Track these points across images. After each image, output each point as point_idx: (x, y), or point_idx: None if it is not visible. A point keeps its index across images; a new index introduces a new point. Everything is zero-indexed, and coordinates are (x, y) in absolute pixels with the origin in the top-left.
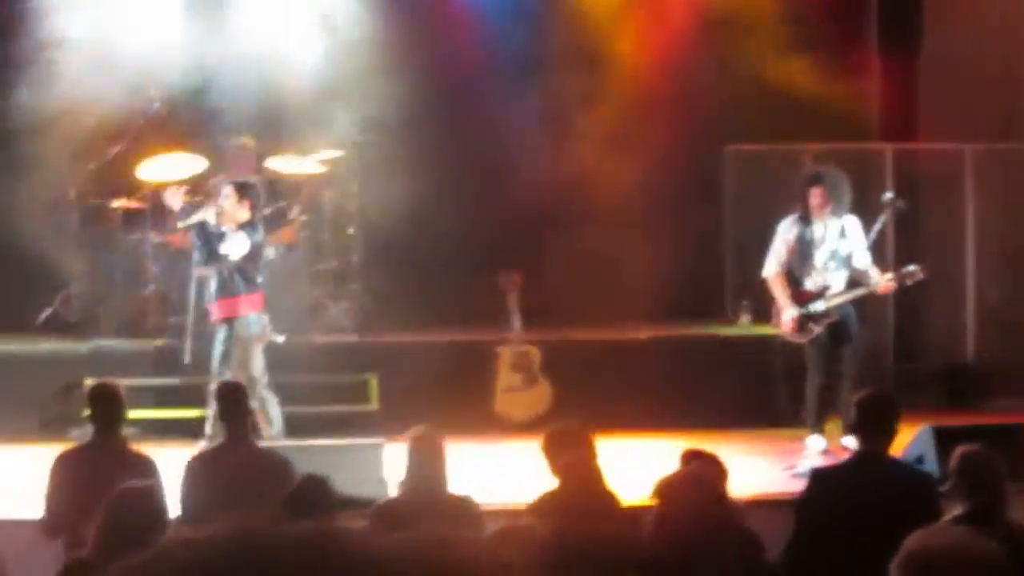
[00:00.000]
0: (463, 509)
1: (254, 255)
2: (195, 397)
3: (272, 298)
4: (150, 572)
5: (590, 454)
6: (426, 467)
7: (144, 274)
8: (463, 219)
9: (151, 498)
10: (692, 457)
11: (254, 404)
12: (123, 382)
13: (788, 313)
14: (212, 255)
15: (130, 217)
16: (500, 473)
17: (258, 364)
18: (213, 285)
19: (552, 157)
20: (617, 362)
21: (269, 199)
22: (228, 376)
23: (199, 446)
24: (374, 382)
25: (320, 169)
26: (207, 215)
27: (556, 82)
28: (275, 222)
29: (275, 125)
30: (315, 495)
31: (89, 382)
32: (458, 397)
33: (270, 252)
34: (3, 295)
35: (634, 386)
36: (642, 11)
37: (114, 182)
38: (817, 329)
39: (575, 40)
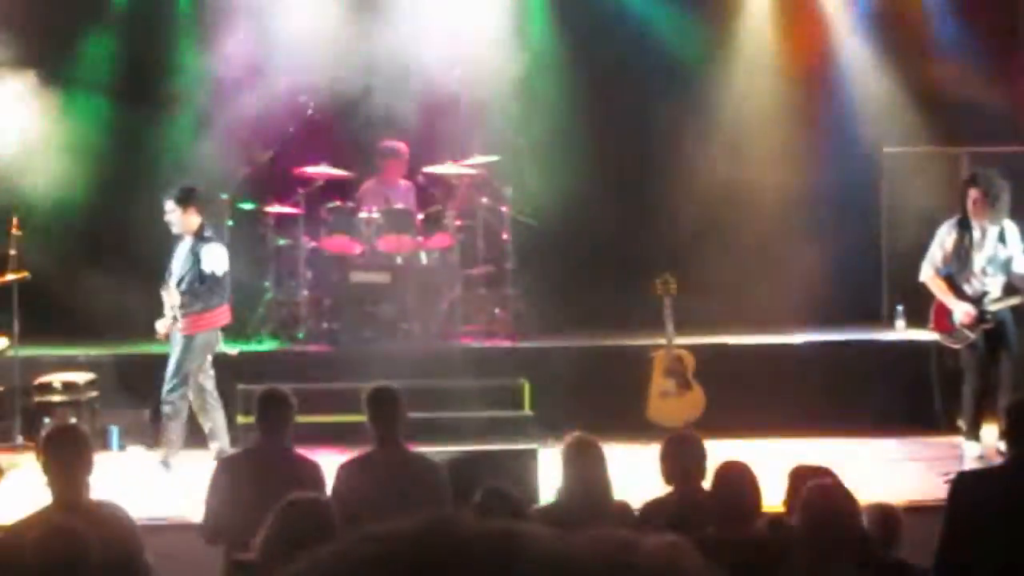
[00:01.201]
0: (624, 515)
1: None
2: (346, 402)
3: (426, 302)
4: (338, 566)
5: (701, 464)
6: (586, 472)
7: (297, 279)
8: (617, 223)
9: (322, 509)
10: (806, 474)
11: (203, 418)
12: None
13: (961, 308)
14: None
15: (284, 221)
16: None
17: (212, 376)
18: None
19: (708, 161)
20: (772, 367)
21: (423, 203)
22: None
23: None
24: (527, 387)
25: (474, 173)
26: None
27: (711, 86)
28: (430, 226)
29: (430, 129)
30: (499, 505)
31: (242, 387)
32: (611, 402)
33: (422, 257)
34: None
35: (789, 391)
36: (798, 15)
37: (268, 186)
38: (974, 335)
39: (732, 44)
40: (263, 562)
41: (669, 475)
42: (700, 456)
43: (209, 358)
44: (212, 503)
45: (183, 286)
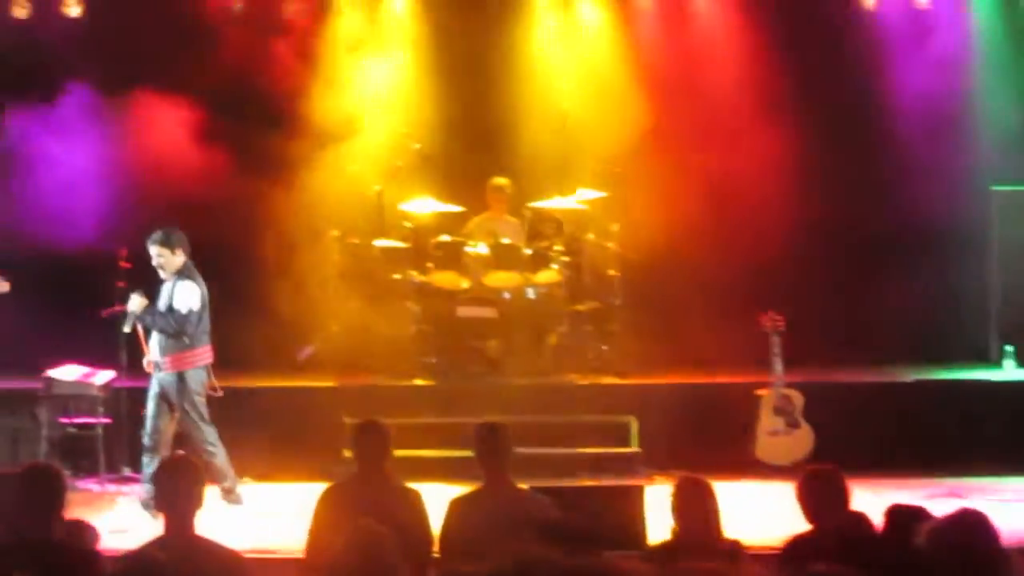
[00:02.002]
0: (733, 552)
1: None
2: (452, 437)
3: (532, 338)
4: None
5: (844, 498)
6: (697, 511)
7: (405, 313)
8: (724, 259)
9: (386, 542)
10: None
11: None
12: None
13: None
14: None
15: (391, 256)
16: (761, 516)
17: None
18: (159, 339)
19: (814, 197)
20: (881, 405)
21: (530, 239)
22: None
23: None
24: (634, 424)
25: (581, 209)
26: (134, 305)
27: (812, 121)
28: (537, 262)
29: (537, 164)
30: (579, 533)
31: (348, 420)
32: (718, 440)
33: (529, 292)
34: (267, 334)
35: (899, 430)
36: (900, 49)
37: (376, 221)
38: None
39: (831, 78)
40: None
41: (810, 511)
42: (842, 491)
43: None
44: (314, 535)
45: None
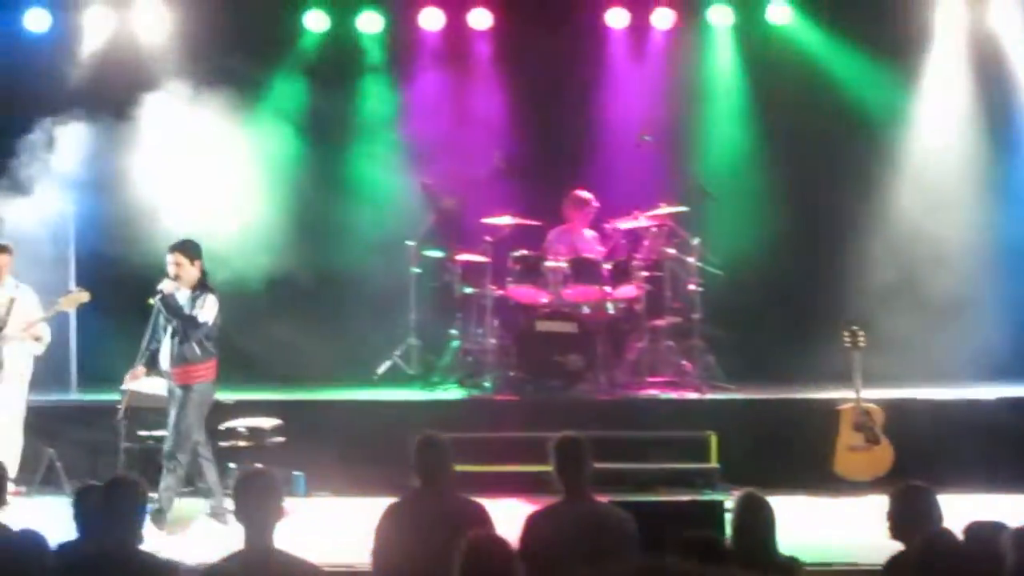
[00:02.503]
0: (791, 568)
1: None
2: (532, 451)
3: (612, 353)
4: None
5: (936, 515)
6: (752, 528)
7: (484, 327)
8: (805, 274)
9: (502, 544)
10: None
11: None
12: (454, 435)
13: None
14: (182, 322)
15: (471, 270)
16: (840, 532)
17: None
18: (169, 350)
19: (897, 213)
20: (962, 422)
21: (610, 253)
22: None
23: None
24: (714, 439)
25: (662, 223)
26: (166, 286)
27: (902, 136)
28: (617, 276)
29: (618, 179)
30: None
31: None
32: (798, 455)
33: (609, 307)
34: (346, 345)
35: (982, 447)
36: (990, 63)
37: (455, 234)
38: None
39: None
40: None
41: (899, 528)
42: (934, 508)
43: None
44: (379, 550)
45: (178, 337)
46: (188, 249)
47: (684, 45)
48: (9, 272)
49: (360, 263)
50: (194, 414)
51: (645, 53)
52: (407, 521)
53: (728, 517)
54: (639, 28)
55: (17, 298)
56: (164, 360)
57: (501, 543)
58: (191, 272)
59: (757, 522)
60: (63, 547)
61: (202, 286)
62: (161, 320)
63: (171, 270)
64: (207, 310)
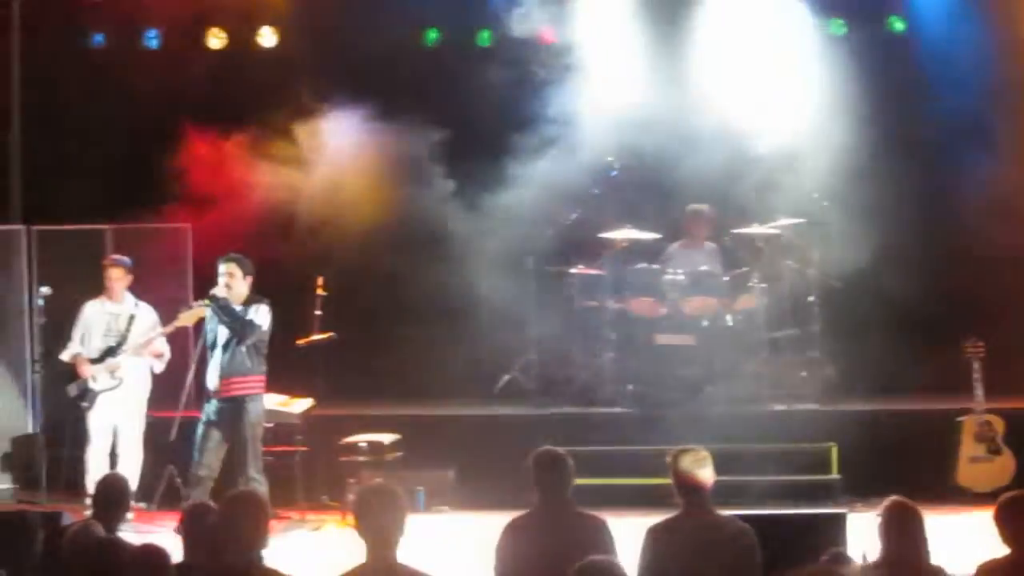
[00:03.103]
0: None
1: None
2: (651, 464)
3: (731, 365)
4: None
5: None
6: (905, 536)
7: (602, 340)
8: (924, 285)
9: (615, 571)
10: None
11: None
12: (573, 449)
13: None
14: (238, 325)
15: (589, 283)
16: (964, 544)
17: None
18: (220, 362)
19: (1019, 222)
20: None
21: (729, 265)
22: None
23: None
24: (834, 451)
25: (780, 236)
26: (219, 291)
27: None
28: (735, 289)
29: (736, 191)
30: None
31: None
32: (919, 466)
33: (728, 320)
34: (465, 360)
35: None
36: None
37: (573, 248)
38: None
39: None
40: None
41: (1007, 537)
42: None
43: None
44: (500, 567)
45: (230, 349)
46: (242, 263)
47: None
48: (128, 289)
49: (480, 278)
50: (258, 428)
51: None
52: (528, 537)
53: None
54: (766, 31)
55: (136, 315)
56: (212, 378)
57: (613, 569)
58: (241, 286)
59: (909, 529)
60: (184, 563)
61: (254, 299)
62: (210, 336)
63: (223, 280)
64: (261, 316)
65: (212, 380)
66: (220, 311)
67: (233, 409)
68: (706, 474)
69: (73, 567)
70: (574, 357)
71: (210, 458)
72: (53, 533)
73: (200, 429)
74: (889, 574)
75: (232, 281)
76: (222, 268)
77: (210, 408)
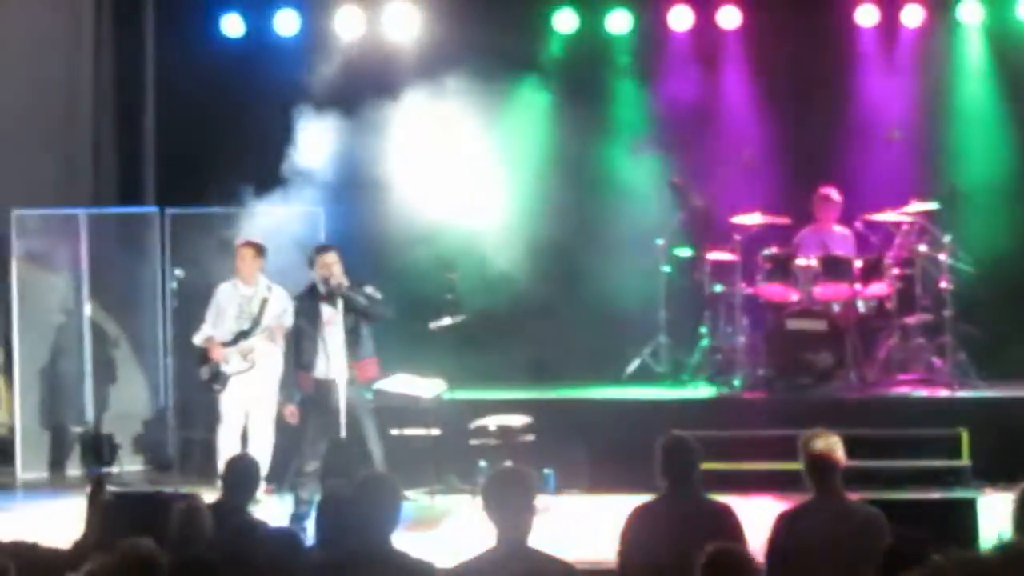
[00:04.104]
0: None
1: None
2: (782, 449)
3: (863, 351)
4: None
5: None
6: None
7: (733, 325)
8: None
9: (744, 558)
10: None
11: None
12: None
13: None
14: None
15: (720, 268)
16: None
17: None
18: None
19: None
20: None
21: (861, 250)
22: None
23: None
24: (965, 437)
25: (913, 220)
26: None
27: None
28: (867, 274)
29: (868, 176)
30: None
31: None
32: None
33: (860, 305)
34: (596, 344)
35: None
36: None
37: (704, 232)
38: None
39: None
40: None
41: None
42: None
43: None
44: (624, 550)
45: (356, 333)
46: (340, 254)
47: (934, 42)
48: (262, 272)
49: (610, 261)
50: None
51: (894, 50)
52: (654, 523)
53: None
54: (888, 26)
55: (269, 298)
56: (338, 364)
57: (743, 557)
58: (342, 273)
59: None
60: (317, 545)
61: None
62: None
63: (335, 269)
64: (376, 294)
65: (338, 368)
66: (354, 298)
67: (360, 394)
68: (838, 460)
69: (206, 548)
70: (704, 341)
71: (324, 448)
72: (187, 514)
73: (315, 417)
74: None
75: (337, 270)
76: (329, 257)
77: (326, 395)
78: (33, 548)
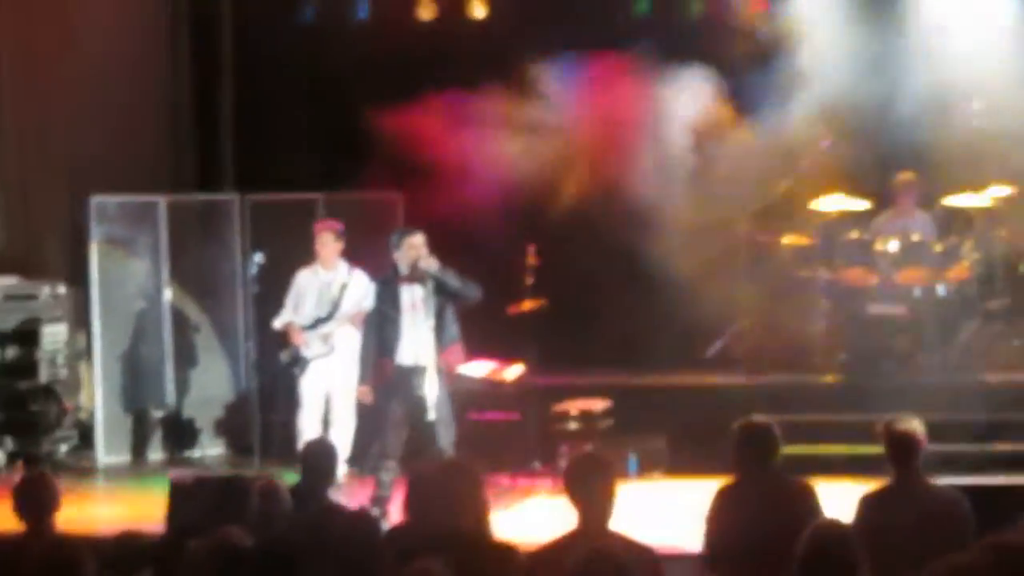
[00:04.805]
0: None
1: None
2: (861, 434)
3: (944, 335)
4: None
5: None
6: None
7: (814, 310)
8: None
9: (845, 533)
10: None
11: None
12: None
13: None
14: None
15: (800, 253)
16: None
17: None
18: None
19: None
20: None
21: (941, 235)
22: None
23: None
24: None
25: (993, 205)
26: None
27: None
28: (948, 259)
29: (948, 160)
30: None
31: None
32: None
33: (940, 290)
34: (675, 328)
35: None
36: None
37: (784, 218)
38: None
39: None
40: None
41: None
42: None
43: None
44: (711, 532)
45: (443, 317)
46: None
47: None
48: (341, 257)
49: (689, 245)
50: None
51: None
52: (740, 504)
53: None
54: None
55: (349, 283)
56: (425, 350)
57: (845, 532)
58: (431, 260)
59: None
60: (400, 528)
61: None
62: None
63: (424, 251)
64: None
65: (424, 354)
66: (446, 280)
67: (439, 379)
68: (921, 438)
69: (287, 530)
70: (785, 326)
71: (405, 433)
72: (265, 493)
73: (397, 402)
74: None
75: (424, 252)
76: (418, 239)
77: (408, 380)
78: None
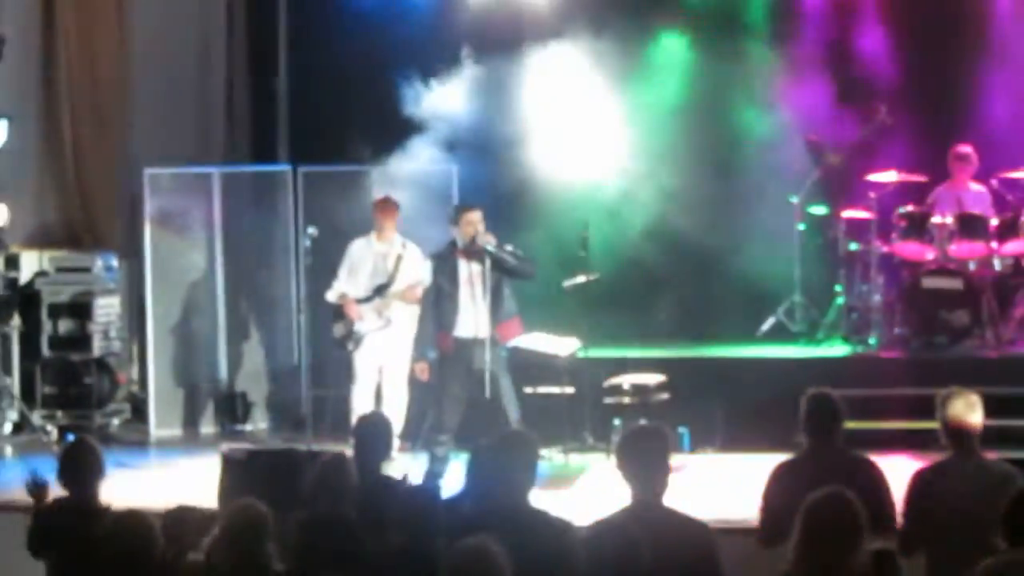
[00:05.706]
0: None
1: None
2: (918, 408)
3: (1000, 309)
4: None
5: None
6: None
7: (869, 283)
8: None
9: (849, 504)
10: None
11: None
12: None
13: None
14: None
15: (855, 226)
16: None
17: None
18: (491, 310)
19: None
20: None
21: (998, 208)
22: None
23: None
24: None
25: None
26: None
27: None
28: (1004, 232)
29: (1007, 133)
30: None
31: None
32: None
33: (996, 263)
34: (730, 302)
35: None
36: None
37: (840, 190)
38: None
39: None
40: (796, 564)
41: None
42: None
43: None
44: (768, 506)
45: (499, 293)
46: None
47: None
48: (396, 230)
49: (744, 220)
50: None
51: None
52: (799, 479)
53: None
54: None
55: (404, 255)
56: (481, 323)
57: (845, 501)
58: (487, 237)
59: None
60: (453, 501)
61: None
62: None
63: (481, 227)
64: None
65: (481, 327)
66: (502, 256)
67: (496, 352)
68: (976, 419)
69: (340, 504)
70: (839, 300)
71: (462, 408)
72: (333, 467)
73: (453, 377)
74: None
75: (482, 228)
76: (475, 215)
77: (466, 354)
78: (184, 510)
